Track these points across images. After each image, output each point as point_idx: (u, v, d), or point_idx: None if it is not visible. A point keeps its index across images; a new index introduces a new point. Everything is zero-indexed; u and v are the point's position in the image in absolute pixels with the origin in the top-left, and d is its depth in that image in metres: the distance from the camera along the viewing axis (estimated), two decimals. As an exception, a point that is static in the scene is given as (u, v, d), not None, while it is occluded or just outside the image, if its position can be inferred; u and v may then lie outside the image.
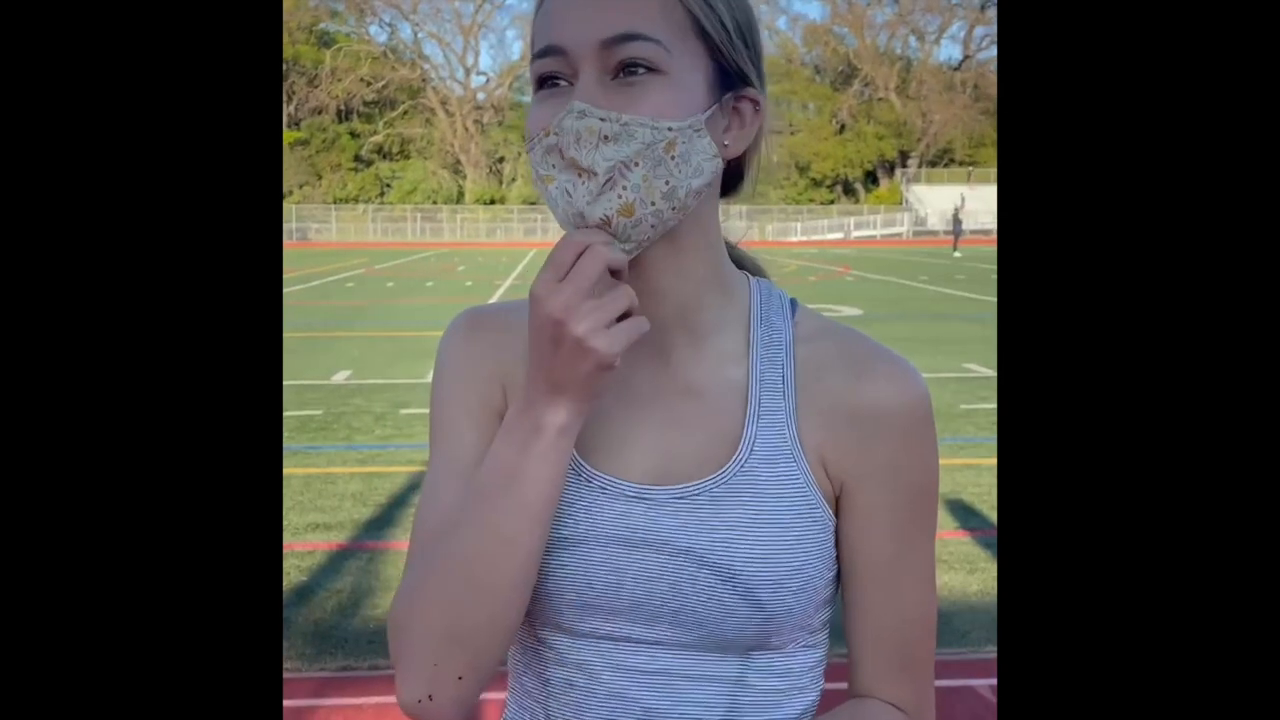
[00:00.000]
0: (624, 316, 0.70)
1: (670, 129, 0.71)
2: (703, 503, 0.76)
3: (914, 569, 0.80)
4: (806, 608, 0.78)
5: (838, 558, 0.80)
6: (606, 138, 0.70)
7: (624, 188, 0.70)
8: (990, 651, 3.31)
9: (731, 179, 0.83)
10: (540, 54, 0.73)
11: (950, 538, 4.47)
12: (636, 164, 0.70)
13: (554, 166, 0.72)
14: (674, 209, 0.73)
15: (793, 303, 0.85)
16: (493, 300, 10.29)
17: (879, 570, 0.79)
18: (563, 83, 0.73)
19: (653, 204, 0.71)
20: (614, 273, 0.71)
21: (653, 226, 0.72)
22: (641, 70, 0.71)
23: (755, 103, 0.78)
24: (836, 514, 0.79)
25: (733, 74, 0.76)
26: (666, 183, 0.71)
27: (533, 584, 0.75)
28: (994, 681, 2.70)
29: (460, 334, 0.86)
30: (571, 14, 0.71)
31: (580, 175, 0.71)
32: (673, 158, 0.71)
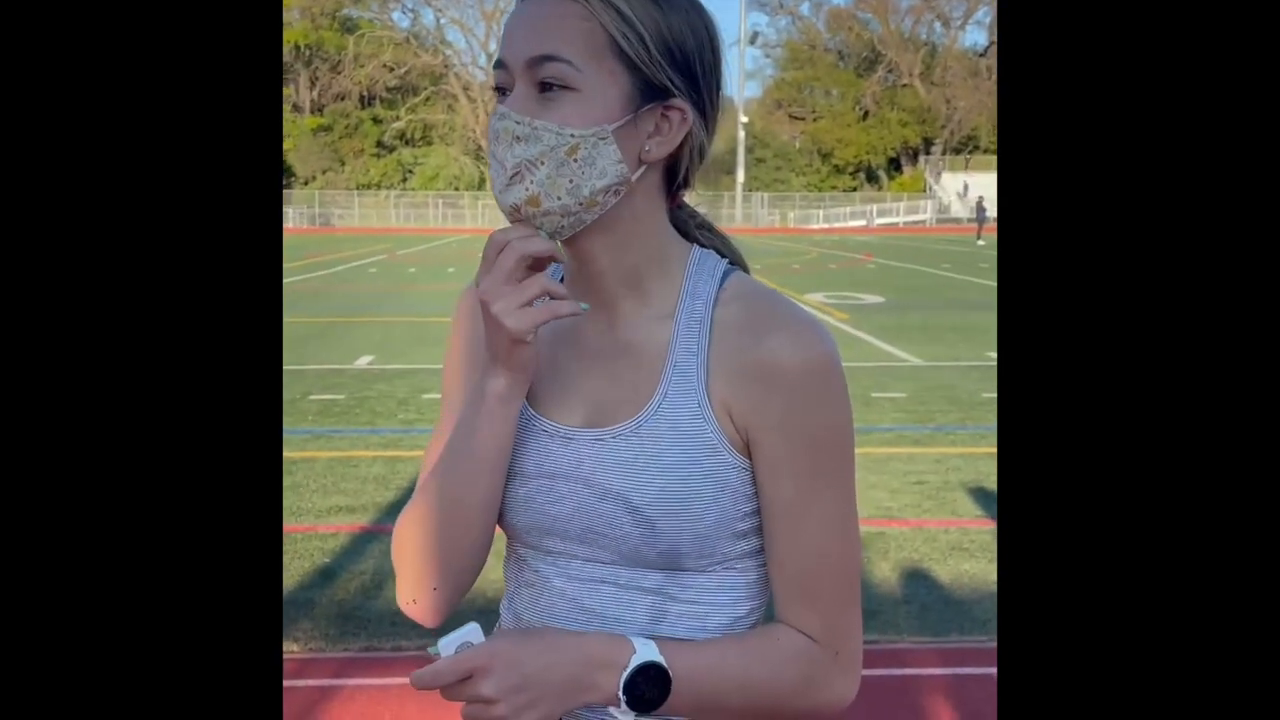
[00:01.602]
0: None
1: (573, 135, 0.84)
2: (615, 444, 0.89)
3: (816, 514, 0.89)
4: (713, 538, 0.89)
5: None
6: (518, 138, 0.84)
7: (530, 181, 0.84)
8: (1010, 640, 3.30)
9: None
10: (495, 64, 0.88)
11: (972, 526, 4.46)
12: (542, 163, 0.84)
13: (493, 156, 0.87)
14: (581, 204, 0.85)
15: (726, 272, 0.95)
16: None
17: (781, 511, 0.89)
18: (507, 91, 0.86)
19: (559, 198, 0.85)
20: (541, 261, 0.85)
21: (562, 216, 0.86)
22: (556, 87, 0.84)
23: (682, 111, 0.88)
24: (750, 459, 0.89)
25: (656, 87, 0.86)
26: (571, 181, 0.84)
27: (493, 517, 0.93)
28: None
29: (466, 305, 1.02)
30: (513, 35, 0.86)
31: (500, 167, 0.86)
32: (576, 160, 0.84)
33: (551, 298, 0.85)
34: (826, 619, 0.90)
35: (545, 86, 0.84)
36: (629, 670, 0.84)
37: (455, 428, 0.92)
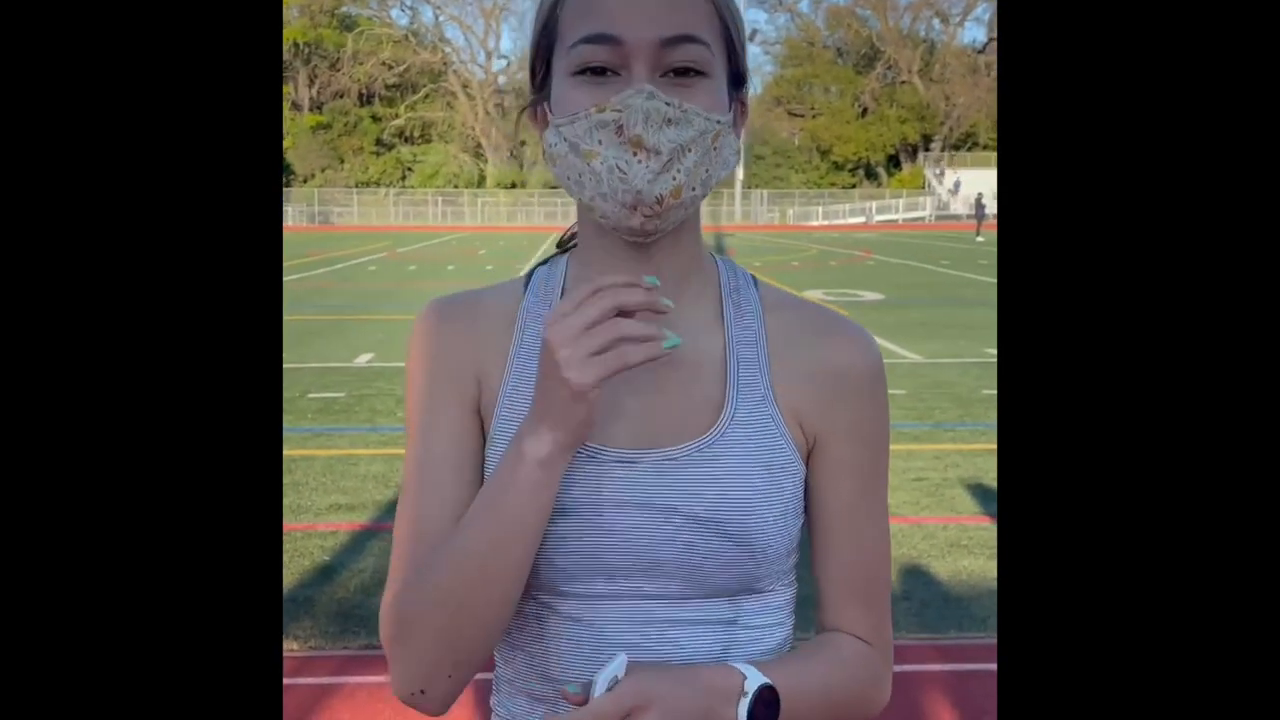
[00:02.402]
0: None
1: (719, 121, 0.78)
2: (689, 464, 0.82)
3: (873, 513, 0.88)
4: (783, 552, 0.85)
5: (805, 505, 0.88)
6: (669, 121, 0.75)
7: (678, 170, 0.76)
8: (1009, 637, 3.30)
9: None
10: (590, 40, 0.76)
11: (971, 523, 4.46)
12: (690, 150, 0.76)
13: (601, 142, 0.76)
14: (702, 196, 0.80)
15: (753, 277, 0.92)
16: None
17: (844, 514, 0.87)
18: (609, 73, 0.77)
19: (694, 190, 0.78)
20: (624, 314, 0.74)
21: (686, 210, 0.79)
22: (692, 72, 0.77)
23: (744, 103, 0.85)
24: (806, 465, 0.86)
25: (740, 75, 0.83)
26: (706, 171, 0.78)
27: (520, 588, 0.79)
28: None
29: (428, 327, 0.88)
30: (632, 10, 0.76)
31: (638, 153, 0.75)
32: (715, 149, 0.78)
33: (626, 342, 0.73)
34: (879, 619, 0.89)
35: (681, 70, 0.77)
36: (750, 697, 0.77)
37: (484, 492, 0.78)
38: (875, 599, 0.89)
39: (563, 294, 0.89)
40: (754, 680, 0.78)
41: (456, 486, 0.84)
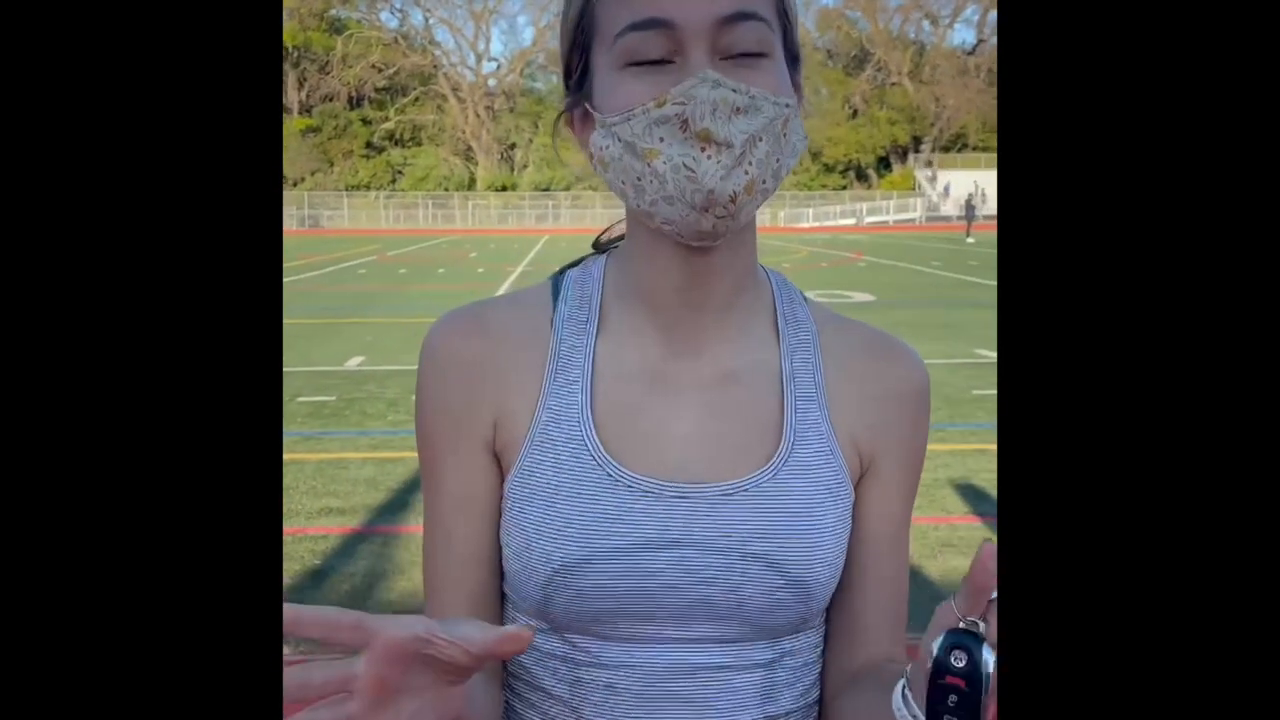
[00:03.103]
0: None
1: (787, 105, 0.69)
2: (750, 497, 0.74)
3: (908, 532, 0.83)
4: (833, 586, 0.78)
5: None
6: (738, 110, 0.67)
7: (750, 163, 0.68)
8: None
9: None
10: (639, 26, 0.68)
11: (961, 523, 4.47)
12: (761, 139, 0.68)
13: (662, 139, 0.68)
14: (774, 190, 0.71)
15: (801, 293, 0.86)
16: (502, 290, 10.23)
17: (892, 537, 0.81)
18: (663, 62, 0.68)
19: (765, 184, 0.70)
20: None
21: (755, 206, 0.71)
22: (753, 53, 0.68)
23: (799, 86, 0.75)
24: (855, 488, 0.80)
25: (795, 55, 0.74)
26: (778, 161, 0.70)
27: None
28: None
29: (435, 354, 0.79)
30: None
31: (706, 148, 0.67)
32: (785, 136, 0.70)
33: None
34: (902, 634, 0.84)
35: (743, 52, 0.68)
36: None
37: None
38: (904, 615, 0.84)
39: (602, 303, 0.79)
40: None
41: (466, 542, 0.78)
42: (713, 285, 0.76)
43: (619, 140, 0.70)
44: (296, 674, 0.53)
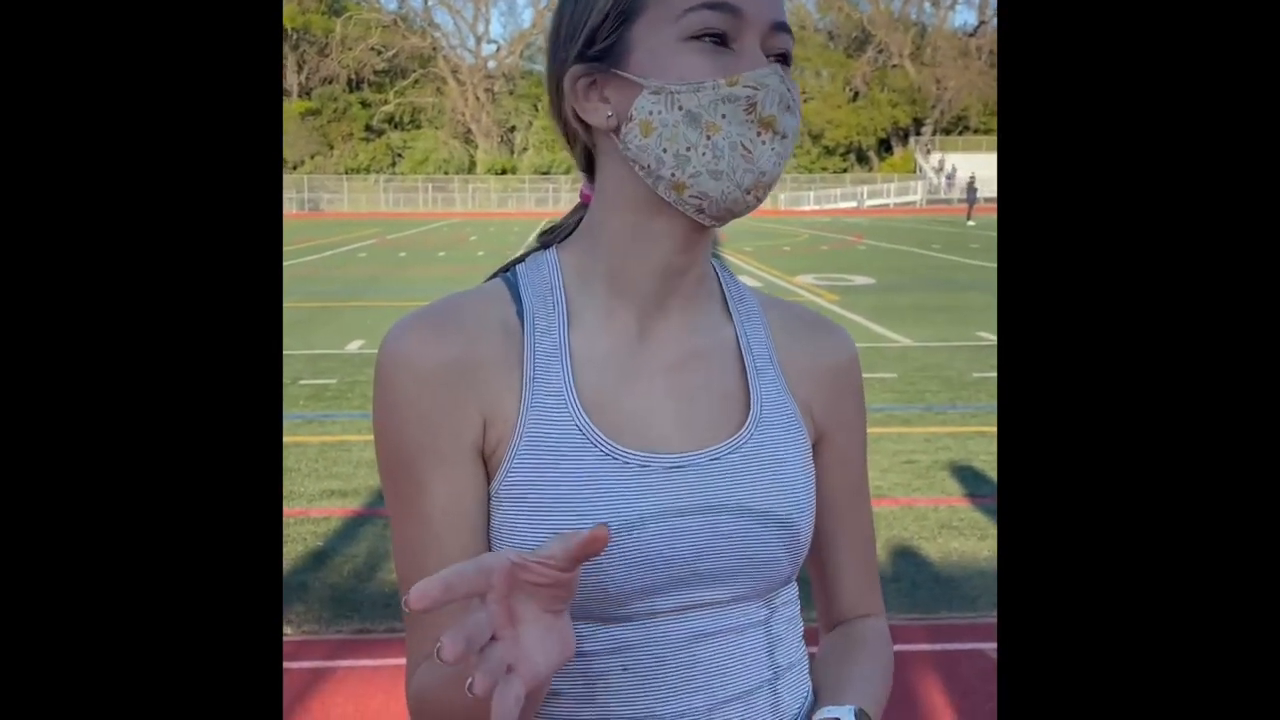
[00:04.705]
0: None
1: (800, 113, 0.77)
2: (736, 459, 0.79)
3: (867, 494, 0.93)
4: (810, 533, 0.85)
5: None
6: (788, 107, 0.74)
7: (786, 157, 0.75)
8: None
9: None
10: (712, 5, 0.72)
11: (960, 505, 4.48)
12: (792, 138, 0.75)
13: (724, 117, 0.72)
14: None
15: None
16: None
17: (851, 500, 0.90)
18: (726, 43, 0.73)
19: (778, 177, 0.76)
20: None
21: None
22: (787, 59, 0.76)
23: None
24: (815, 448, 0.88)
25: None
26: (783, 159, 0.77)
27: None
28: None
29: (407, 371, 0.76)
30: None
31: (763, 134, 0.72)
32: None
33: None
34: (878, 591, 0.93)
35: (781, 55, 0.75)
36: None
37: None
38: (875, 573, 0.93)
39: (565, 294, 0.80)
40: (843, 715, 0.76)
41: (465, 557, 0.70)
42: (692, 267, 0.81)
43: (679, 108, 0.72)
44: (458, 636, 0.54)
